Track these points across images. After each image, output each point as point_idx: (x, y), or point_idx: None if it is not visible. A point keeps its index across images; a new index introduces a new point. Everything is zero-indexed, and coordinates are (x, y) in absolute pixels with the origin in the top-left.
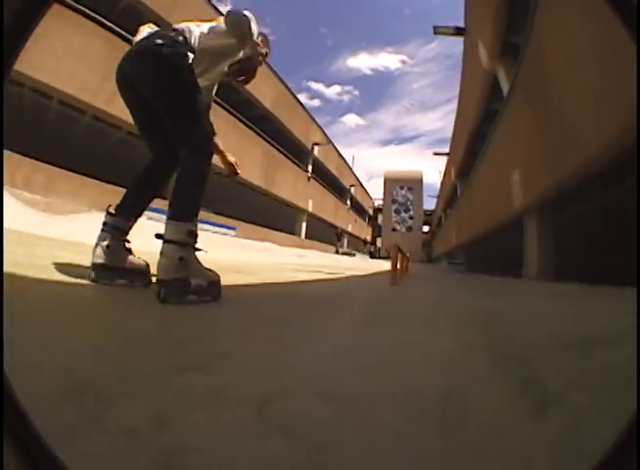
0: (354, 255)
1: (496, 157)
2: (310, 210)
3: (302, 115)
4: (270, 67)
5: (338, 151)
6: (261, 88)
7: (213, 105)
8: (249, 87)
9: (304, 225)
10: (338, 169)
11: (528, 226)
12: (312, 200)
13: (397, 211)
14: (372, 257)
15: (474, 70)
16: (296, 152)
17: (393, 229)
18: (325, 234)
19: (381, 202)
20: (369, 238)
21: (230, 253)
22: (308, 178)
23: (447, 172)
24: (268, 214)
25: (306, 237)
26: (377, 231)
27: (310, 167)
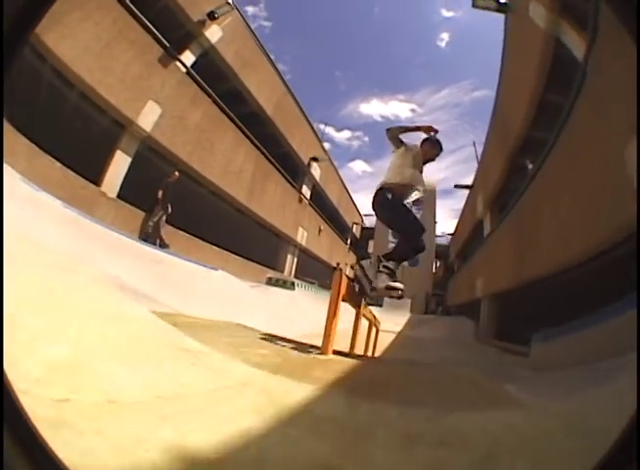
0: (293, 287)
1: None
2: None
3: None
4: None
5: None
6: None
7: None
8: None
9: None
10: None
11: None
12: None
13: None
14: None
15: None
16: None
17: None
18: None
19: (373, 220)
20: (348, 270)
21: None
22: None
23: None
24: None
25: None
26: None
27: None
